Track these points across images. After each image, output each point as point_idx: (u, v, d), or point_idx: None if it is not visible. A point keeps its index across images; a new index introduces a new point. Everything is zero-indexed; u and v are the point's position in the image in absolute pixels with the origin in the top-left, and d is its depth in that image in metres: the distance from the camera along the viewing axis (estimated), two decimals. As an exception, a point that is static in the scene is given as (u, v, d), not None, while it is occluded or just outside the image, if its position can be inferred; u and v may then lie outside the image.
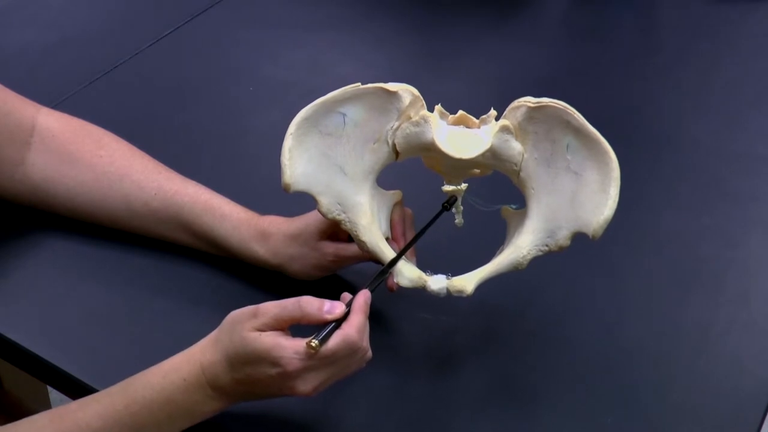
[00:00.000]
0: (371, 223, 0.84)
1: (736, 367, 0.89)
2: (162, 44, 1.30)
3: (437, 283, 0.83)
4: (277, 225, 0.91)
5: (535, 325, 0.92)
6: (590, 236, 0.81)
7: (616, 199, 0.80)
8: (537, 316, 0.93)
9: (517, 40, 1.36)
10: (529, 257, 0.83)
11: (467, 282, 0.83)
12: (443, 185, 0.87)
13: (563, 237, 0.82)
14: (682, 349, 0.90)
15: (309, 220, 0.89)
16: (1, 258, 0.97)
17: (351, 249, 0.88)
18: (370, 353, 0.78)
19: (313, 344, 0.73)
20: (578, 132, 0.81)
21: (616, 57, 1.33)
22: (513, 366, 0.88)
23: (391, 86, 0.83)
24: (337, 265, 0.90)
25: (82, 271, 0.96)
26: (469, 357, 0.89)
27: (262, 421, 0.82)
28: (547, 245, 0.83)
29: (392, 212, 0.88)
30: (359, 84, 0.83)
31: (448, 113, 0.85)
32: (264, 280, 0.93)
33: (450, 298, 0.83)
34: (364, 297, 0.78)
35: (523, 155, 0.84)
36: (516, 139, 0.83)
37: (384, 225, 0.87)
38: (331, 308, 0.76)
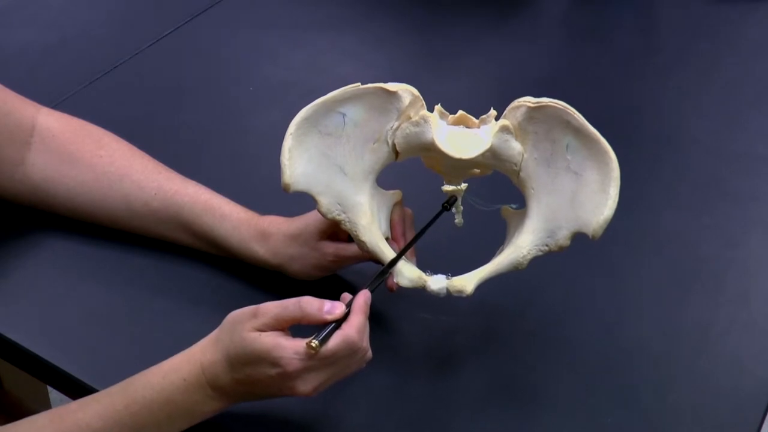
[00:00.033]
0: (371, 223, 0.84)
1: (736, 367, 0.89)
2: (162, 44, 1.30)
3: (437, 283, 0.83)
4: (277, 225, 0.91)
5: (535, 325, 0.92)
6: (590, 236, 0.81)
7: (616, 199, 0.80)
8: (537, 316, 0.93)
9: (517, 40, 1.36)
10: (529, 257, 0.83)
11: (467, 282, 0.83)
12: (443, 185, 0.87)
13: (563, 237, 0.82)
14: (682, 349, 0.90)
15: (309, 220, 0.89)
16: (1, 258, 0.97)
17: (351, 249, 0.88)
18: (370, 353, 0.78)
19: (313, 344, 0.73)
20: (578, 132, 0.81)
21: (616, 57, 1.33)
22: (513, 366, 0.88)
23: (391, 86, 0.83)
24: (337, 265, 0.90)
25: (82, 271, 0.96)
26: (469, 357, 0.89)
27: (262, 421, 0.82)
28: (547, 245, 0.83)
29: (392, 212, 0.88)
30: (359, 84, 0.83)
31: (447, 113, 0.85)
32: (264, 280, 0.93)
33: (450, 298, 0.83)
34: (364, 297, 0.78)
35: (523, 155, 0.84)
36: (516, 139, 0.83)
37: (384, 225, 0.87)
38: (331, 308, 0.76)
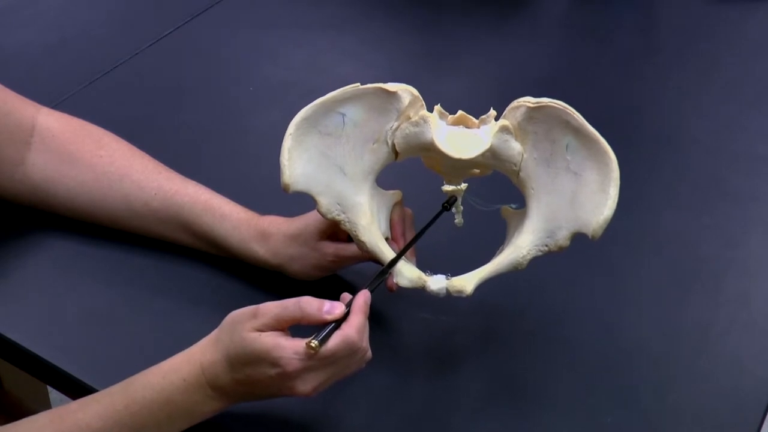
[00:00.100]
0: (371, 223, 0.84)
1: (736, 367, 0.89)
2: (162, 44, 1.30)
3: (437, 283, 0.83)
4: (277, 225, 0.91)
5: (535, 325, 0.92)
6: (590, 236, 0.81)
7: (616, 199, 0.80)
8: (537, 316, 0.93)
9: (517, 40, 1.36)
10: (528, 257, 0.83)
11: (467, 282, 0.83)
12: (443, 185, 0.87)
13: (563, 237, 0.82)
14: (682, 349, 0.90)
15: (309, 220, 0.89)
16: (1, 258, 0.97)
17: (351, 249, 0.88)
18: (369, 353, 0.78)
19: (313, 345, 0.73)
20: (578, 132, 0.81)
21: (616, 57, 1.33)
22: (513, 366, 0.88)
23: (391, 86, 0.83)
24: (337, 265, 0.90)
25: (82, 271, 0.96)
26: (469, 357, 0.89)
27: (262, 421, 0.82)
28: (546, 245, 0.83)
29: (392, 212, 0.88)
30: (359, 84, 0.83)
31: (447, 113, 0.85)
32: (264, 280, 0.93)
33: (450, 298, 0.83)
34: (363, 297, 0.78)
35: (522, 155, 0.84)
36: (516, 139, 0.83)
37: (384, 225, 0.87)
38: (331, 308, 0.76)
